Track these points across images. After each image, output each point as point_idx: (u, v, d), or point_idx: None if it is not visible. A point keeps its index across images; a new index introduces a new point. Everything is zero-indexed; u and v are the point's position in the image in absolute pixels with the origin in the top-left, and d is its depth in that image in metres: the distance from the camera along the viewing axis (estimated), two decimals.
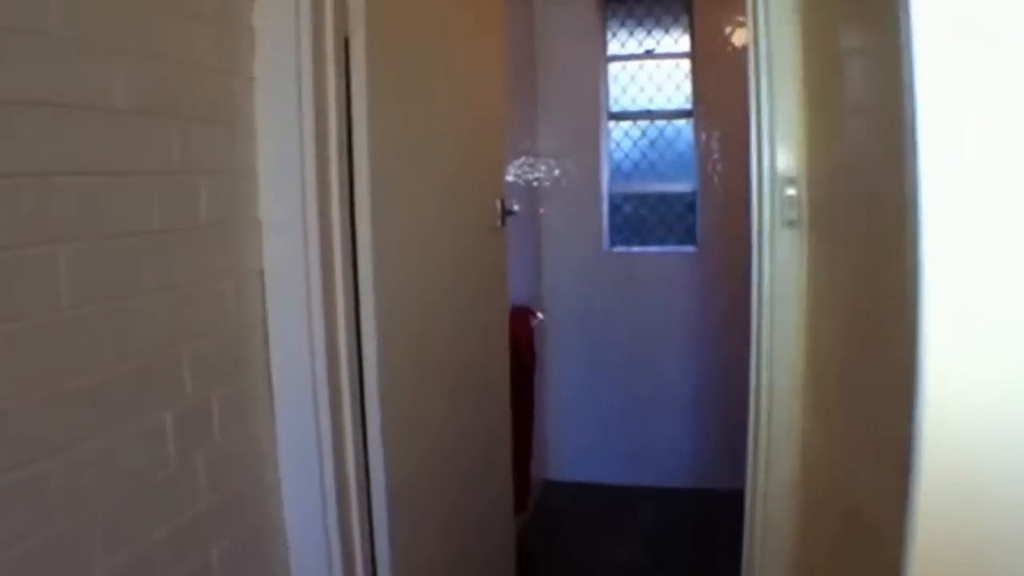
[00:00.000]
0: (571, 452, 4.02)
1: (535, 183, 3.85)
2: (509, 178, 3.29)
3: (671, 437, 3.96)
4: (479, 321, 2.54)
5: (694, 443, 3.93)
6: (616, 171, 3.96)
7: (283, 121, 1.62)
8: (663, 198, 3.98)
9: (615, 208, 3.99)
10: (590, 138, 3.88)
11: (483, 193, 2.52)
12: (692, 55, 3.83)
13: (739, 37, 3.65)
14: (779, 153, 1.54)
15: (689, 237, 3.95)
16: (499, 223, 2.56)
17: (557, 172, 3.89)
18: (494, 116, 2.61)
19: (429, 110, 2.17)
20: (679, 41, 3.86)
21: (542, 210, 3.93)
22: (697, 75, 3.81)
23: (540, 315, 3.59)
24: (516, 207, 2.90)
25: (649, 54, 3.87)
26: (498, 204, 2.55)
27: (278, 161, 1.65)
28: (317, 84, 1.63)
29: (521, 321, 3.24)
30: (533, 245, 3.84)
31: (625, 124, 3.94)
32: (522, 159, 3.62)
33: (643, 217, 4.01)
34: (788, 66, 1.53)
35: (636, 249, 3.99)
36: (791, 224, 1.53)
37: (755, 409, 1.69)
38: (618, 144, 3.95)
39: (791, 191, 1.50)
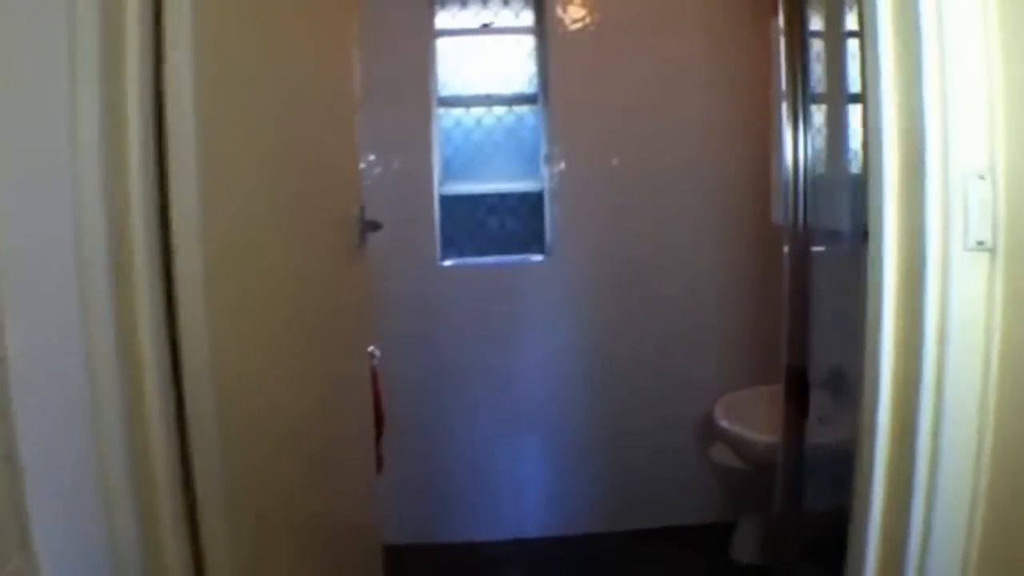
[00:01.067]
0: (414, 511, 3.30)
1: None
2: None
3: (533, 482, 3.37)
4: (336, 381, 1.80)
5: (561, 488, 3.37)
6: (447, 168, 3.28)
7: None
8: (504, 199, 3.36)
9: (448, 213, 3.31)
10: (416, 129, 3.17)
11: (335, 201, 1.77)
12: (537, 30, 3.23)
13: (593, 9, 3.10)
14: (958, 129, 0.92)
15: (536, 244, 3.36)
16: (358, 242, 1.83)
17: (379, 170, 3.15)
18: (343, 94, 1.86)
19: (266, 85, 1.41)
20: (520, 15, 3.25)
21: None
22: (544, 54, 3.22)
23: (375, 351, 2.85)
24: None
25: (486, 28, 3.22)
26: (356, 214, 1.81)
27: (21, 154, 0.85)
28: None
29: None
30: None
31: (457, 111, 3.27)
32: None
33: (480, 222, 3.36)
34: None
35: (474, 261, 3.34)
36: (980, 247, 0.92)
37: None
38: (448, 136, 3.28)
39: (981, 192, 0.89)
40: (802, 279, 2.07)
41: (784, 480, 2.12)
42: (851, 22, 2.17)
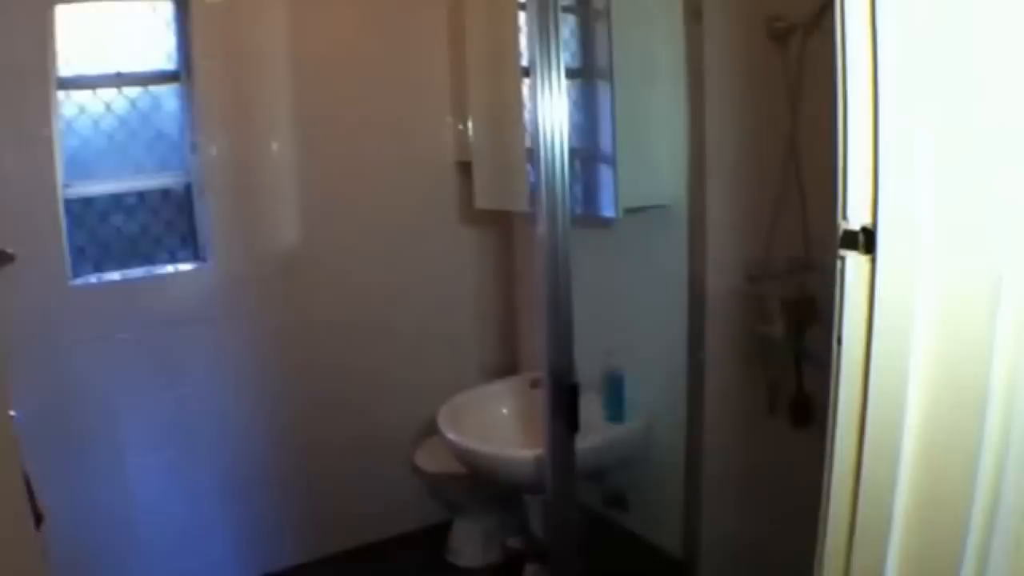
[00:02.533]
0: None
1: None
2: None
3: (220, 525, 2.95)
4: None
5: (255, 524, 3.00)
6: (73, 165, 2.63)
7: None
8: (144, 198, 2.79)
9: (77, 219, 2.67)
10: (32, 118, 2.47)
11: None
12: None
13: None
14: None
15: (190, 249, 2.87)
16: None
17: None
18: None
19: None
20: None
21: None
22: (185, 23, 2.69)
23: (14, 414, 2.20)
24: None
25: None
26: None
27: None
28: None
29: None
30: None
31: (83, 95, 2.61)
32: None
33: (117, 228, 2.77)
34: None
35: (113, 276, 2.74)
36: None
37: None
38: (72, 126, 2.62)
39: None
40: (559, 273, 1.89)
41: (555, 504, 2.06)
42: None
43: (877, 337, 0.86)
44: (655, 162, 2.24)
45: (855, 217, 0.88)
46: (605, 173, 2.23)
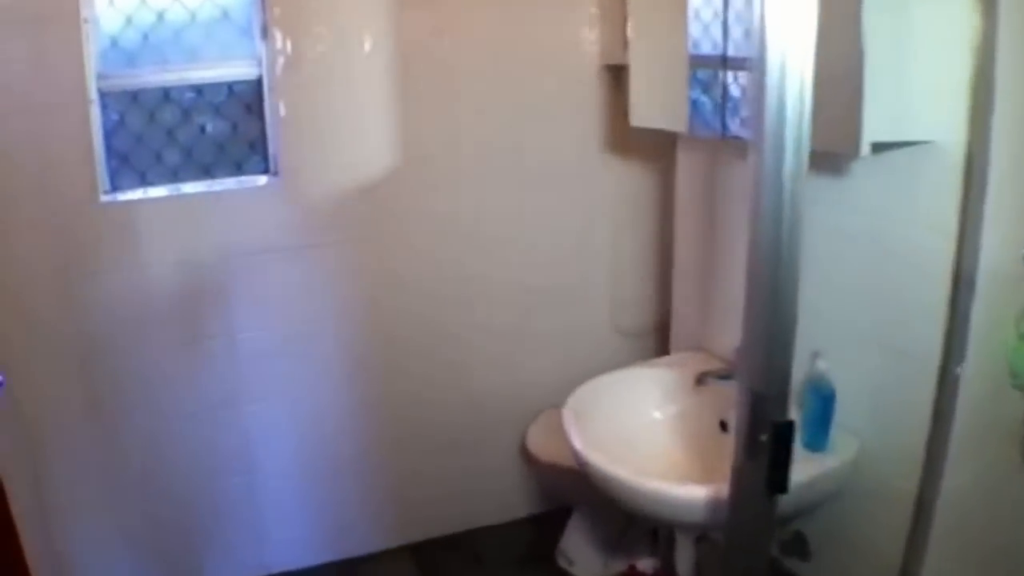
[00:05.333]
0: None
1: None
2: None
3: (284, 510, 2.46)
4: None
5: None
6: (112, 49, 2.03)
7: None
8: (201, 94, 2.19)
9: (113, 120, 2.09)
10: None
11: None
12: None
13: None
14: None
15: (257, 160, 2.26)
16: None
17: None
18: None
19: None
20: None
21: None
22: None
23: None
24: None
25: None
26: None
27: None
28: None
29: None
30: None
31: None
32: None
33: (169, 132, 2.18)
34: None
35: (162, 193, 2.17)
36: None
37: None
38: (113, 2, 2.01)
39: None
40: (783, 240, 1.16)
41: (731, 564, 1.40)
42: None
43: None
44: (916, 80, 1.47)
45: None
46: (842, 90, 1.47)
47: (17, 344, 2.05)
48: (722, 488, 1.35)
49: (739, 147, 1.79)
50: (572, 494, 2.37)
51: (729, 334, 2.02)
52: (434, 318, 2.44)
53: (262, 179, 2.25)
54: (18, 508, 1.51)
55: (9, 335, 2.04)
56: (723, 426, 1.85)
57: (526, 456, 2.41)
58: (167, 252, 2.14)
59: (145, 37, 2.07)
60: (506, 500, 2.69)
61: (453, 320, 2.46)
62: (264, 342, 2.28)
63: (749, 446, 1.21)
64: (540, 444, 2.34)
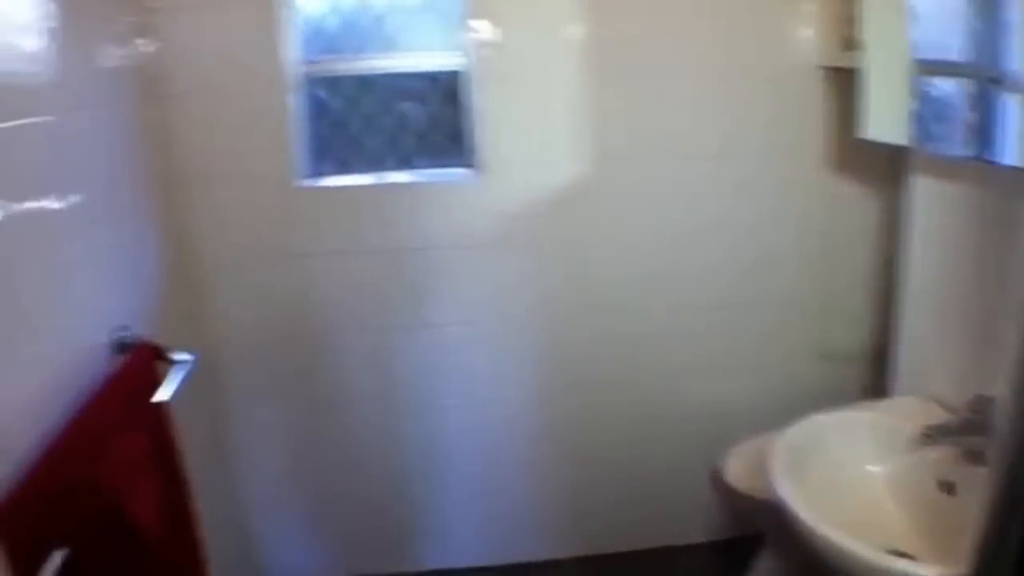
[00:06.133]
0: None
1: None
2: None
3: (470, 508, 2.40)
4: None
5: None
6: (314, 37, 2.04)
7: None
8: (403, 83, 2.14)
9: (315, 104, 2.10)
10: None
11: None
12: None
13: None
14: None
15: (457, 152, 2.18)
16: None
17: (186, 41, 1.93)
18: None
19: None
20: None
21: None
22: None
23: (179, 356, 1.70)
24: None
25: None
26: None
27: None
28: None
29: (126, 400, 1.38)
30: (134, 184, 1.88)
31: None
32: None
33: (368, 119, 2.16)
34: None
35: (362, 180, 2.15)
36: None
37: None
38: None
39: None
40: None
41: None
42: None
43: None
44: None
45: None
46: None
47: (219, 325, 2.13)
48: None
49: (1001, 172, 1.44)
50: (764, 529, 2.07)
51: (968, 380, 1.64)
52: (626, 328, 2.25)
53: (464, 172, 2.16)
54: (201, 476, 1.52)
55: (210, 316, 2.12)
56: (946, 488, 1.49)
57: (717, 482, 2.14)
58: (365, 240, 2.13)
59: (348, 24, 2.06)
60: (689, 522, 2.47)
61: (645, 331, 2.26)
62: (460, 338, 2.22)
63: (1005, 522, 0.97)
64: (739, 475, 2.06)
